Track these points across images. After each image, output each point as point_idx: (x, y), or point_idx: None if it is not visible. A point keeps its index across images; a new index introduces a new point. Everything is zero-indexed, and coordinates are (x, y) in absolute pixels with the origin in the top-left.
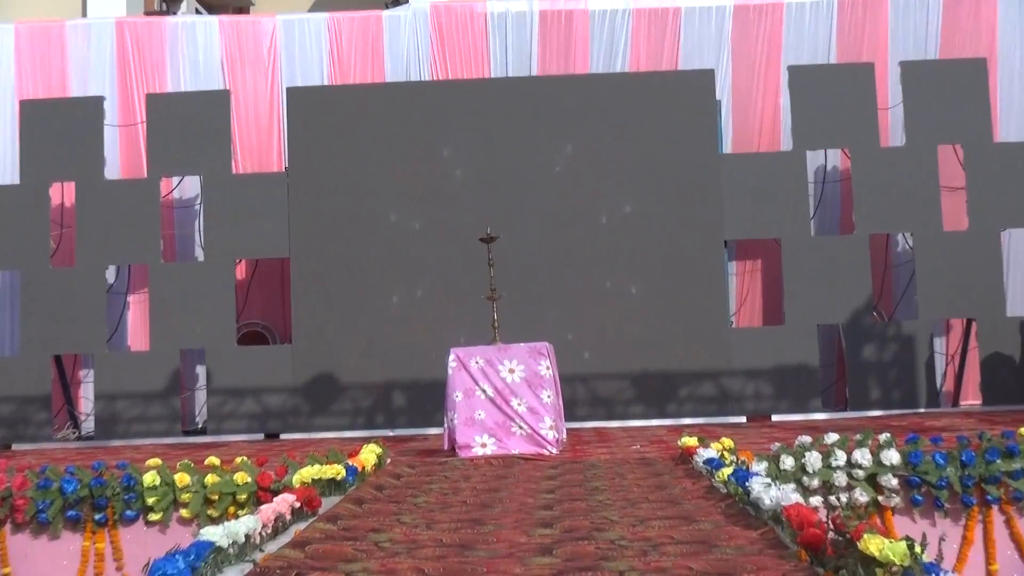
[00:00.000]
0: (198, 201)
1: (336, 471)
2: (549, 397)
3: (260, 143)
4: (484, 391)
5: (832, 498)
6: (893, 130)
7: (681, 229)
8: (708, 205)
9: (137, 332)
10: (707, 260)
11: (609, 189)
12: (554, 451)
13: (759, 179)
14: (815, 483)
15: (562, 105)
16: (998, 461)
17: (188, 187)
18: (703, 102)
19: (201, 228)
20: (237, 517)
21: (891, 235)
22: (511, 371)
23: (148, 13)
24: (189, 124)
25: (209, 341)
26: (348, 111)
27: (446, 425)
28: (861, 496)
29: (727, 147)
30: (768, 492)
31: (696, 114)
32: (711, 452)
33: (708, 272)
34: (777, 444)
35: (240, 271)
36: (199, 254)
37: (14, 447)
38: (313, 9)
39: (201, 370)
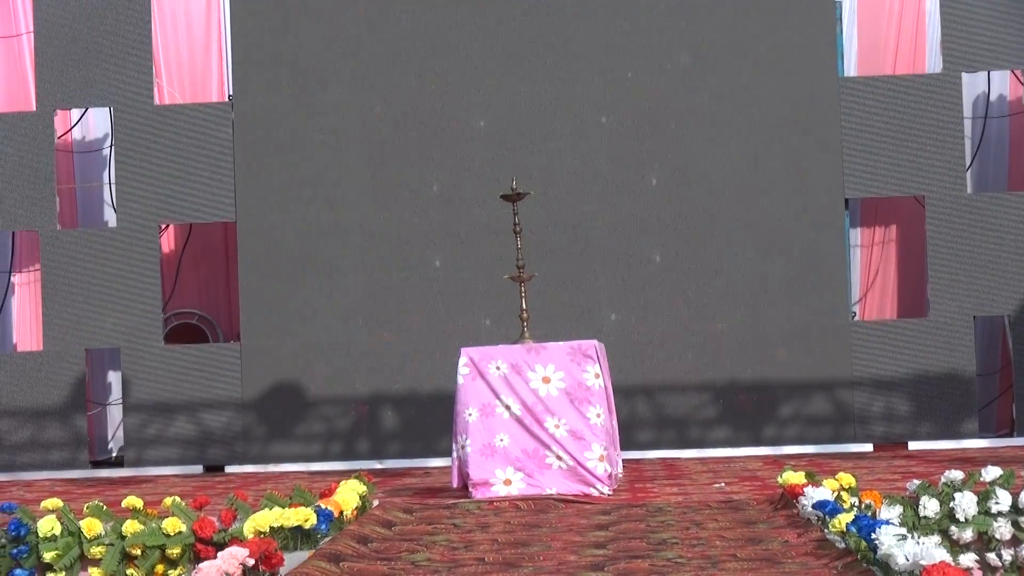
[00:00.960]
0: (108, 143)
1: (303, 517)
2: (599, 416)
3: (194, 62)
4: (508, 408)
5: (992, 555)
6: None
7: (784, 185)
8: (822, 151)
9: (25, 325)
10: (821, 228)
11: (680, 129)
12: (606, 491)
13: (894, 114)
14: (968, 535)
15: (609, 20)
16: None
17: (94, 124)
18: (817, 4)
19: (113, 181)
20: None
21: None
22: (546, 380)
23: None
24: (95, 36)
25: (126, 338)
26: (320, 17)
27: (455, 455)
28: None
29: (850, 69)
30: (903, 548)
31: (806, 22)
32: (824, 493)
33: (822, 244)
34: (916, 482)
35: (167, 241)
36: (110, 217)
37: None
38: None
39: (115, 378)
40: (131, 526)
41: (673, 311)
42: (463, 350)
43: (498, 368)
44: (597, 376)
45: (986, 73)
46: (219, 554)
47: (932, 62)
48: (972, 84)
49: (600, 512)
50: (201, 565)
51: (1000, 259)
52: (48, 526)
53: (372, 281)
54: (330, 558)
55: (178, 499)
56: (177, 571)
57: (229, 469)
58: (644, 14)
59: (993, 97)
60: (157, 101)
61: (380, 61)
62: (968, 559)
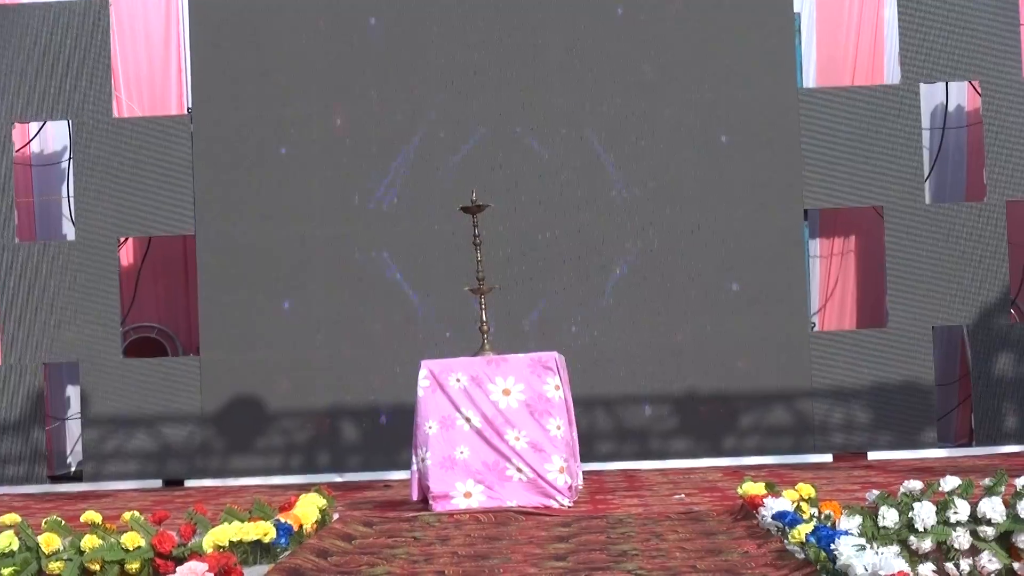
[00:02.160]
0: (66, 156)
1: (263, 530)
2: (559, 428)
3: (153, 75)
4: (468, 420)
5: (950, 565)
6: None
7: (744, 196)
8: (782, 162)
9: None
10: (780, 239)
11: (641, 141)
12: (566, 503)
13: (853, 125)
14: (927, 545)
15: (570, 33)
16: None
17: (52, 137)
18: (776, 17)
19: (71, 195)
20: None
21: None
22: (506, 392)
23: None
24: (53, 47)
25: (84, 352)
26: (279, 30)
27: (415, 467)
28: (990, 563)
29: (809, 80)
30: (862, 558)
31: (765, 34)
32: (783, 503)
33: (781, 255)
34: (875, 492)
35: (126, 255)
36: (68, 230)
37: None
38: None
39: (73, 392)
40: (90, 541)
41: (633, 323)
42: (423, 363)
43: (458, 380)
44: (557, 388)
45: (944, 84)
46: (178, 569)
47: (890, 73)
48: (930, 95)
49: (560, 524)
50: None
51: (958, 269)
52: (5, 541)
53: (332, 294)
54: (290, 572)
55: (137, 514)
56: None
57: (189, 483)
58: (604, 26)
59: (951, 108)
60: (116, 114)
61: (340, 74)
62: (927, 569)
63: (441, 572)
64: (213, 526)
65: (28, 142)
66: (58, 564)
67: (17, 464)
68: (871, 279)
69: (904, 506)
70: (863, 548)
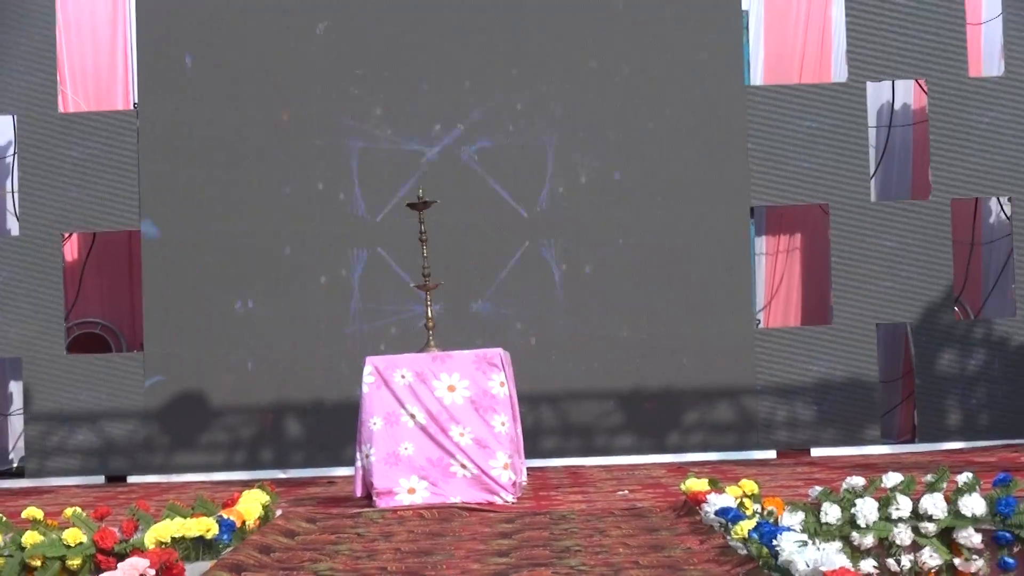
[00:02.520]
0: (11, 151)
1: (205, 527)
2: (504, 425)
3: (99, 69)
4: (413, 416)
5: (891, 561)
6: (987, 54)
7: (690, 193)
8: (728, 159)
9: None
10: (725, 235)
11: (587, 137)
12: (510, 499)
13: (800, 122)
14: (869, 541)
15: (517, 28)
16: None
17: None
18: (724, 13)
19: (15, 189)
20: None
21: (981, 201)
22: (451, 388)
23: None
24: None
25: (27, 347)
26: (226, 24)
27: (359, 463)
28: (931, 558)
29: (756, 77)
30: (804, 554)
31: (713, 30)
32: (726, 499)
33: (726, 252)
34: (817, 488)
35: (70, 250)
36: (12, 225)
37: None
38: None
39: (16, 388)
40: (31, 537)
41: (578, 319)
42: (368, 359)
43: (403, 377)
44: (502, 384)
45: (890, 82)
46: (120, 565)
47: (837, 71)
48: (876, 93)
49: (504, 520)
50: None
51: (902, 267)
52: None
53: (277, 289)
54: (232, 568)
55: (79, 510)
56: None
57: (131, 479)
58: (550, 20)
59: (897, 106)
60: (62, 109)
61: (287, 68)
62: (868, 564)
63: (384, 568)
64: (155, 522)
65: None
66: None
67: None
68: (816, 276)
69: (846, 502)
70: (805, 544)
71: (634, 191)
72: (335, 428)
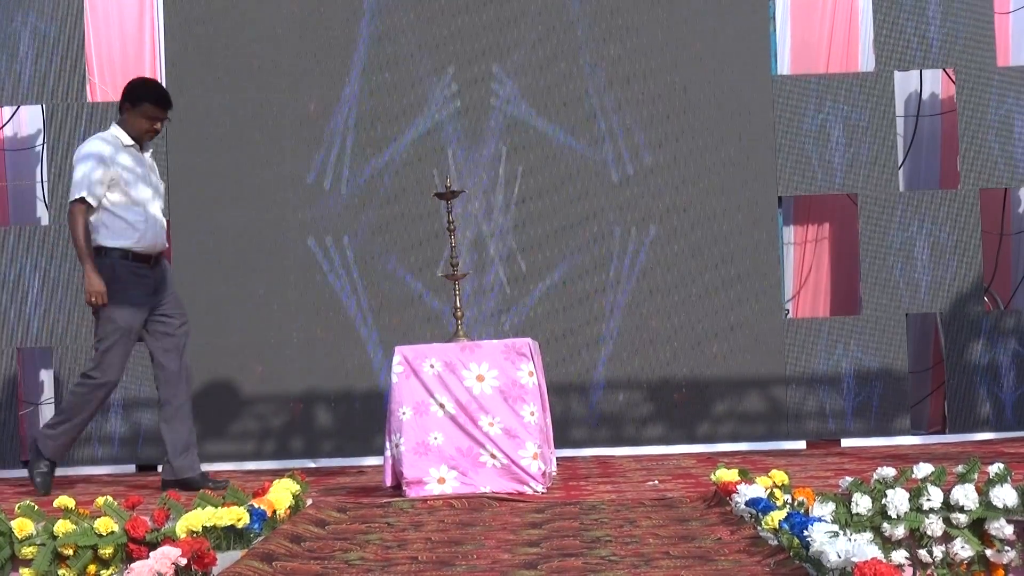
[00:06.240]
0: (40, 140)
1: (236, 516)
2: (533, 415)
3: (127, 59)
4: (442, 406)
5: (923, 552)
6: (1016, 43)
7: (717, 183)
8: (755, 149)
9: None
10: (754, 226)
11: (614, 128)
12: (539, 488)
13: (827, 112)
14: (900, 532)
15: (542, 17)
16: None
17: (25, 121)
18: (750, 3)
19: (45, 179)
20: None
21: (1011, 190)
22: (480, 378)
23: None
24: (23, 31)
25: (58, 337)
26: (255, 14)
27: (388, 453)
28: (963, 550)
29: (783, 67)
30: (835, 544)
31: (739, 20)
32: (757, 490)
33: (755, 242)
34: (848, 479)
35: None
36: (43, 214)
37: None
38: None
39: (47, 376)
40: (63, 526)
41: (607, 309)
42: (397, 348)
43: (432, 366)
44: (531, 374)
45: (918, 72)
46: (151, 554)
47: (864, 60)
48: (904, 82)
49: (534, 510)
50: (133, 565)
51: (932, 257)
52: None
53: (307, 278)
54: (263, 557)
55: (110, 499)
56: (109, 571)
57: None
58: (575, 9)
59: (925, 95)
60: (90, 99)
61: (315, 58)
62: (900, 555)
63: (414, 558)
64: (187, 511)
65: (2, 127)
66: (31, 549)
67: None
68: (845, 266)
69: (877, 493)
70: (836, 535)
71: (662, 181)
72: (364, 417)
